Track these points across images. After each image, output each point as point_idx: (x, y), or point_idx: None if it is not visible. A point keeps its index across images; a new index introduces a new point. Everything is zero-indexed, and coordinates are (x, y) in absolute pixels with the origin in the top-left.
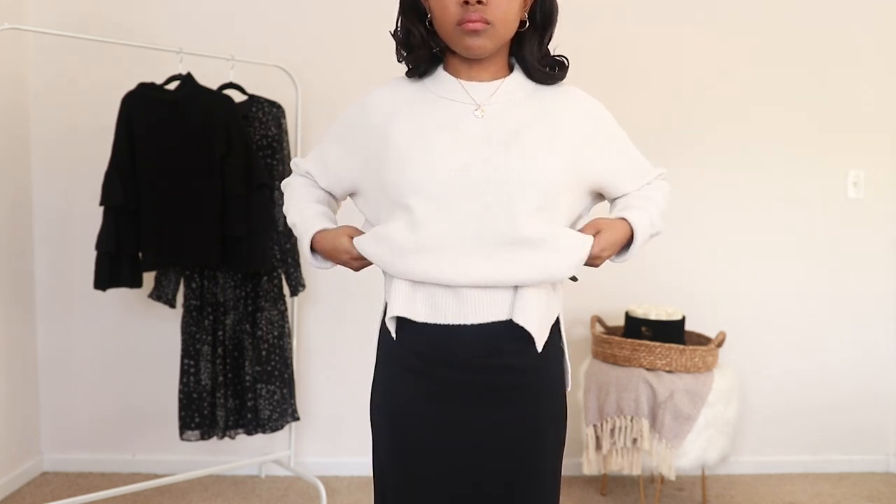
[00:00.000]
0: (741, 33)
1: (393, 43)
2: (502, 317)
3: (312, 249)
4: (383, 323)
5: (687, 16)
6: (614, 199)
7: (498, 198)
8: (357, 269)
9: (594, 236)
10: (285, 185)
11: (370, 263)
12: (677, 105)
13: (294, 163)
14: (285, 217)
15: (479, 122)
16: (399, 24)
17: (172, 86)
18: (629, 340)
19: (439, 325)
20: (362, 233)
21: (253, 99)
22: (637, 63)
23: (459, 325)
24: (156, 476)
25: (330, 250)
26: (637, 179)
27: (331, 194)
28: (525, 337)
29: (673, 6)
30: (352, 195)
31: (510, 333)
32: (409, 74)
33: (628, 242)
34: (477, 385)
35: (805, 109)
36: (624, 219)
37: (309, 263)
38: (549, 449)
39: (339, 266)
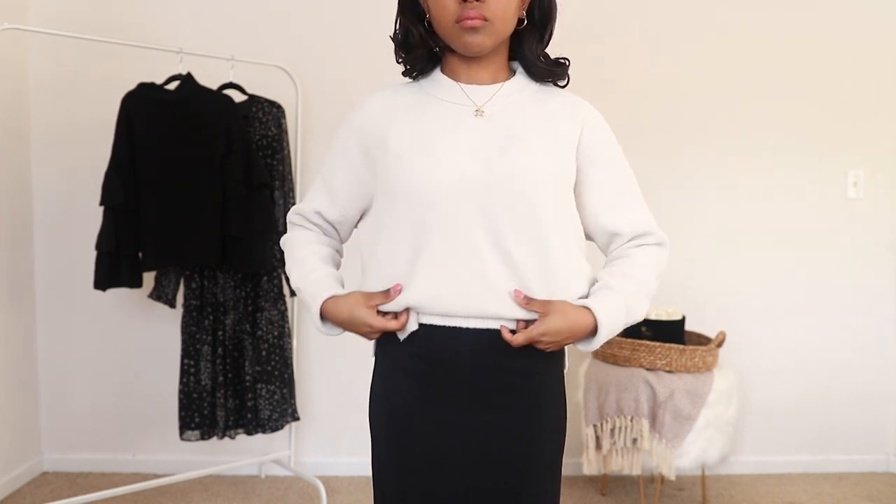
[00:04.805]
0: (741, 34)
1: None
2: (502, 320)
3: (322, 318)
4: None
5: (688, 18)
6: (592, 230)
7: (497, 201)
8: (374, 338)
9: (539, 317)
10: (284, 241)
11: (391, 331)
12: (678, 105)
13: (295, 210)
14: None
15: (478, 124)
16: (398, 25)
17: (172, 86)
18: (629, 340)
19: (438, 326)
20: (372, 296)
21: (253, 99)
22: (637, 63)
23: (458, 328)
24: (156, 476)
25: (346, 322)
26: (619, 214)
27: (338, 232)
28: None
29: (674, 9)
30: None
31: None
32: (406, 74)
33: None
34: (475, 387)
35: (805, 110)
36: (588, 308)
37: (318, 330)
38: (549, 451)
39: (345, 310)
